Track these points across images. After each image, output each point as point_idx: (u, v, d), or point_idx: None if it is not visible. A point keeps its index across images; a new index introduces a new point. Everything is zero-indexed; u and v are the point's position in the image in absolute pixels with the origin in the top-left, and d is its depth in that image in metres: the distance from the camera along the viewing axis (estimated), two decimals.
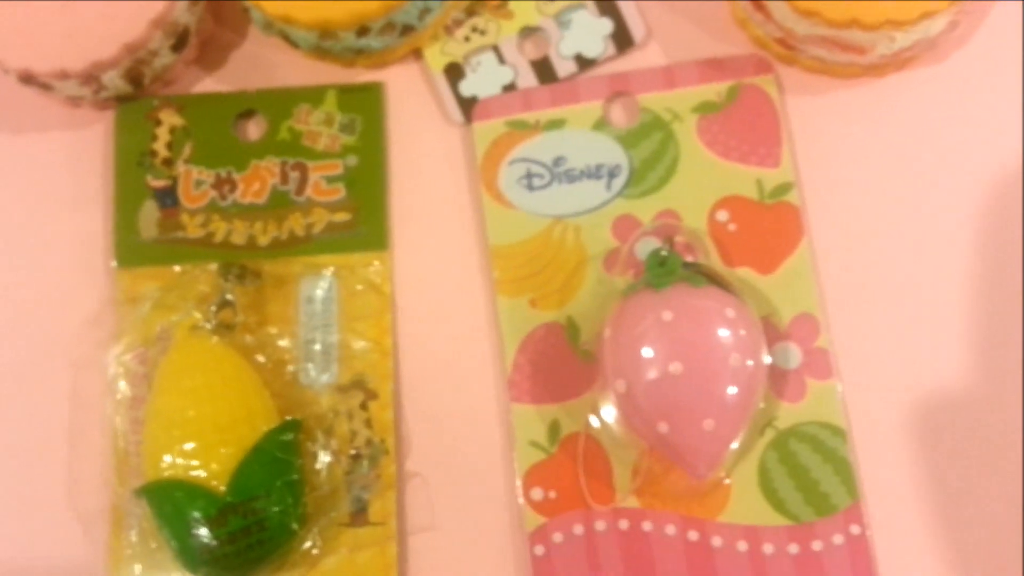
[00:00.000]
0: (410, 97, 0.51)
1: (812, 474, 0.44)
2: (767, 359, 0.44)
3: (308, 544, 0.46)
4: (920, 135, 0.48)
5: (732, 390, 0.41)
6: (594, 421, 0.45)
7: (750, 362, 0.42)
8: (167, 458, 0.44)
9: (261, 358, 0.47)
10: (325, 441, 0.47)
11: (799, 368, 0.45)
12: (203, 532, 0.43)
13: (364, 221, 0.49)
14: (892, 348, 0.46)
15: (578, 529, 0.44)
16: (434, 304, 0.48)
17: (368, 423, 0.47)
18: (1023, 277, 0.46)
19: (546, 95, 0.48)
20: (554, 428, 0.45)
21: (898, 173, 0.47)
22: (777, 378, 0.45)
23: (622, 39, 0.49)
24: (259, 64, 0.52)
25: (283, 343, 0.48)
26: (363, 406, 0.47)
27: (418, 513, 0.47)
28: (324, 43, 0.48)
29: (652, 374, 0.41)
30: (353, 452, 0.46)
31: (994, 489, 0.44)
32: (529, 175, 0.47)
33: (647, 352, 0.41)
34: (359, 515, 0.46)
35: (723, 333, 0.41)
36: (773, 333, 0.45)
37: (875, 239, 0.46)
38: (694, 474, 0.42)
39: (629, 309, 0.43)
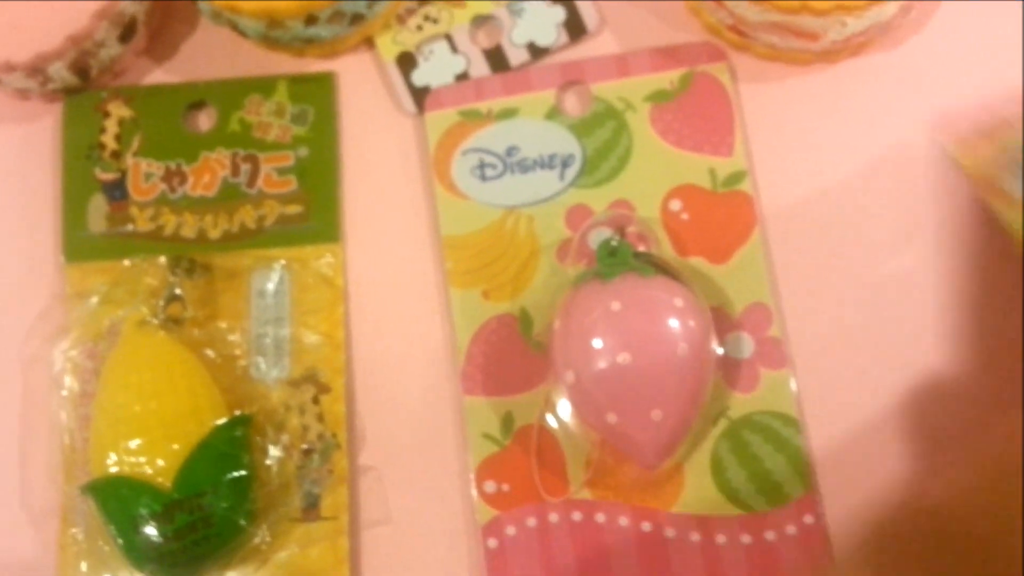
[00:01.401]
0: (362, 87, 0.50)
1: (765, 464, 0.44)
2: (718, 349, 0.43)
3: (258, 539, 0.45)
4: (874, 121, 0.47)
5: (680, 380, 0.41)
6: (550, 417, 0.45)
7: (699, 352, 0.41)
8: (113, 455, 0.43)
9: (211, 352, 0.47)
10: (276, 436, 0.46)
11: (752, 358, 0.44)
12: (149, 529, 0.43)
13: (316, 213, 0.48)
14: (844, 337, 0.46)
15: (531, 522, 0.44)
16: (387, 296, 0.48)
17: (320, 417, 0.46)
18: (979, 265, 0.45)
19: (499, 84, 0.48)
20: (507, 420, 0.45)
21: (851, 160, 0.47)
22: (730, 368, 0.44)
23: (575, 27, 0.48)
24: (210, 54, 0.51)
25: (233, 337, 0.48)
26: (315, 400, 0.47)
27: (371, 507, 0.46)
28: (272, 33, 0.48)
29: (600, 365, 0.41)
30: (305, 447, 0.46)
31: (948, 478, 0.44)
32: (482, 165, 0.47)
33: (595, 343, 0.41)
34: (310, 510, 0.46)
35: (671, 323, 0.41)
36: (726, 323, 0.44)
37: (828, 228, 0.46)
38: (643, 464, 0.42)
39: (578, 300, 0.42)
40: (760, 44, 0.47)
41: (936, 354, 0.45)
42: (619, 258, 0.43)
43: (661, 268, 0.43)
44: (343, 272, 0.48)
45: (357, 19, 0.48)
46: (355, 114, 0.50)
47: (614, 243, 0.43)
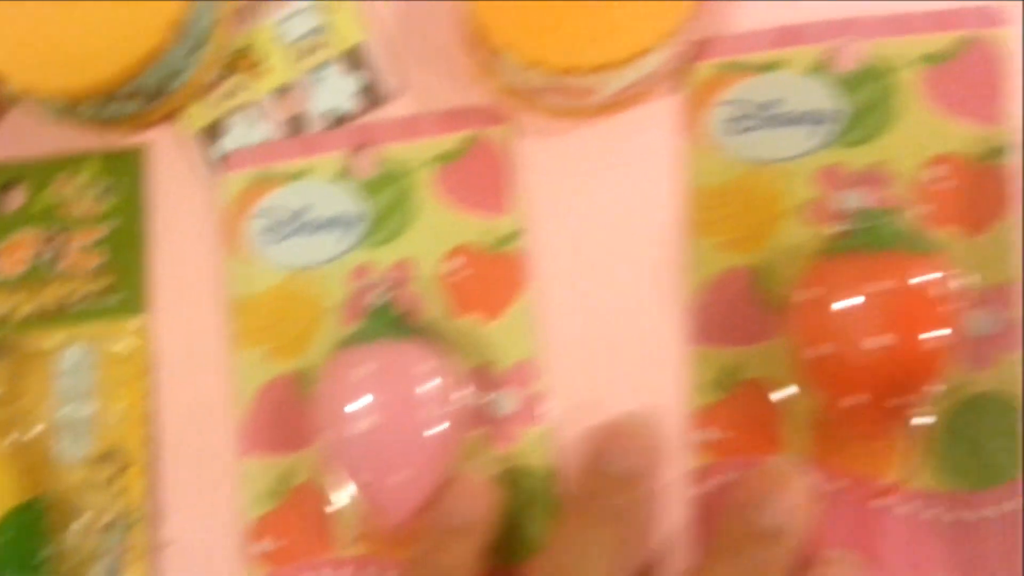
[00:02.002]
0: (170, 158, 0.51)
1: (522, 517, 0.44)
2: (487, 401, 0.45)
3: None
4: (655, 167, 0.47)
5: (427, 442, 0.42)
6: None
7: (443, 416, 0.42)
8: None
9: (14, 435, 0.47)
10: (76, 515, 0.46)
11: (515, 413, 0.45)
12: None
13: (124, 286, 0.49)
14: (608, 392, 0.45)
15: None
16: (191, 364, 0.48)
17: (121, 492, 0.47)
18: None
19: (292, 147, 0.48)
20: (284, 479, 0.45)
21: (630, 210, 0.47)
22: (493, 424, 0.45)
23: (373, 94, 0.49)
24: (21, 134, 0.52)
25: (37, 418, 0.48)
26: (118, 475, 0.47)
27: None
28: (73, 112, 0.48)
29: (352, 428, 0.42)
30: (105, 522, 0.45)
31: None
32: (272, 227, 0.47)
33: (347, 406, 0.42)
34: None
35: (419, 386, 0.42)
36: (493, 379, 0.45)
37: (599, 285, 0.46)
38: (395, 522, 0.42)
39: (335, 363, 0.43)
40: (543, 104, 0.47)
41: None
42: (379, 321, 0.43)
43: (421, 331, 0.43)
44: (149, 343, 0.48)
45: (158, 95, 0.49)
46: (163, 186, 0.51)
47: (377, 305, 0.43)
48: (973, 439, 0.42)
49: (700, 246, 0.45)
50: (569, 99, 0.46)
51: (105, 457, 0.47)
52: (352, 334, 0.44)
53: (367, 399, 0.42)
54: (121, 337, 0.48)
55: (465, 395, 0.44)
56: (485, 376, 0.45)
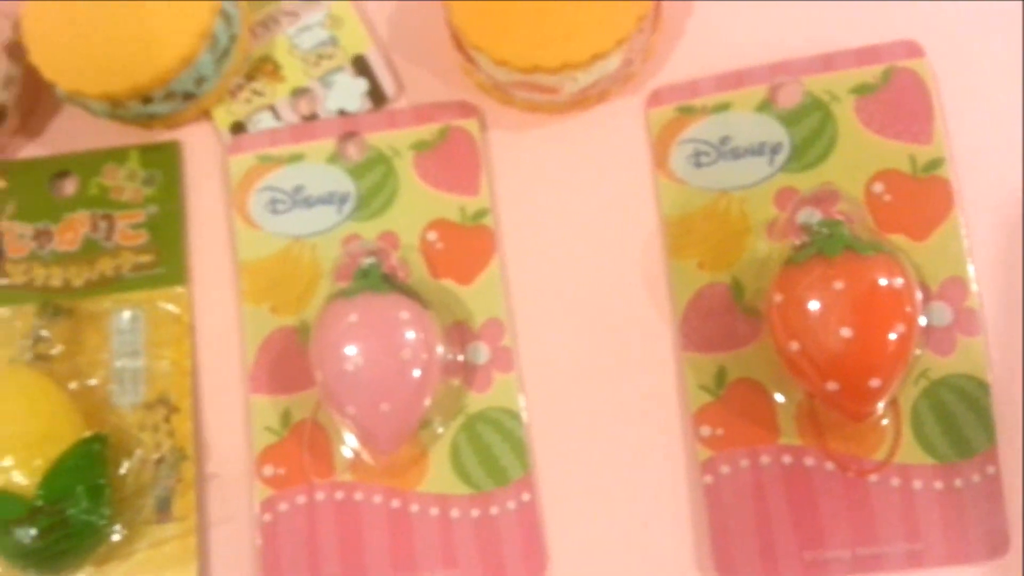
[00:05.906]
0: (203, 151, 0.59)
1: (494, 450, 0.52)
2: (459, 357, 0.52)
3: (117, 538, 0.54)
4: (613, 159, 0.54)
5: (404, 379, 0.49)
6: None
7: (421, 356, 0.50)
8: None
9: (75, 384, 0.56)
10: (131, 450, 0.55)
11: (487, 363, 0.53)
12: (17, 531, 0.51)
13: (165, 260, 0.57)
14: (566, 347, 0.52)
15: (301, 499, 0.52)
16: (225, 326, 0.57)
17: (171, 433, 0.55)
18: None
19: (287, 135, 0.56)
20: (286, 415, 0.54)
21: (590, 198, 0.54)
22: (469, 372, 0.53)
23: (377, 95, 0.57)
24: (73, 130, 0.60)
25: (95, 369, 0.56)
26: (166, 419, 0.55)
27: (216, 508, 0.55)
28: (117, 111, 0.57)
29: (339, 366, 0.49)
30: (157, 458, 0.54)
31: (655, 473, 0.52)
32: (273, 201, 0.56)
33: (336, 349, 0.49)
34: (163, 512, 0.54)
35: (397, 332, 0.49)
36: (468, 334, 0.53)
37: (560, 256, 0.54)
38: (377, 448, 0.50)
39: (327, 313, 0.51)
40: (519, 99, 0.54)
41: (644, 367, 0.53)
42: (366, 278, 0.51)
43: (403, 289, 0.52)
44: (190, 309, 0.57)
45: (189, 97, 0.57)
46: (198, 174, 0.59)
47: (365, 266, 0.52)
48: (947, 417, 0.48)
49: (678, 267, 0.51)
50: (538, 95, 0.54)
51: (156, 403, 0.56)
52: (341, 289, 0.52)
53: (353, 342, 0.50)
54: (166, 303, 0.57)
55: (442, 345, 0.51)
56: (461, 332, 0.53)
